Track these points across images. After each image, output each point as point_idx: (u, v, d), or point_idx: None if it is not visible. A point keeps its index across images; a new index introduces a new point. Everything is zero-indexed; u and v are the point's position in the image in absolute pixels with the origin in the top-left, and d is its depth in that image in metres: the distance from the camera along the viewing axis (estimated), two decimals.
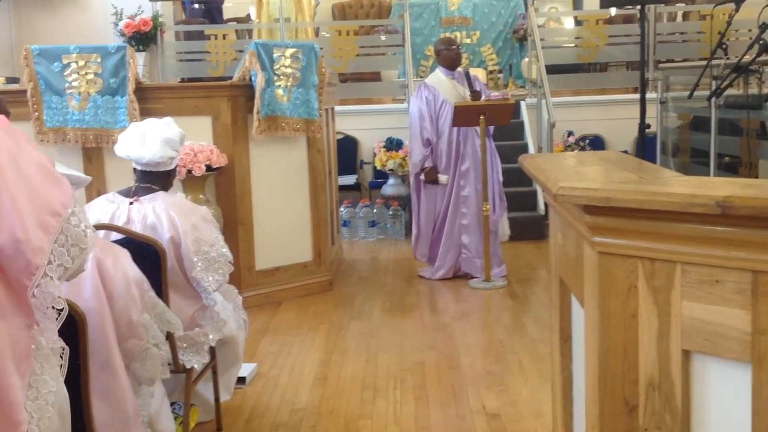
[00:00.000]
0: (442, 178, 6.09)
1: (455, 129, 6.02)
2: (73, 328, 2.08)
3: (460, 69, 6.20)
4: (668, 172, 1.61)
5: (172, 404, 3.16)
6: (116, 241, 2.95)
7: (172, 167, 3.32)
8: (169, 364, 2.96)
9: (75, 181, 2.58)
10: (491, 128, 6.01)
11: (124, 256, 2.59)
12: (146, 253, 2.96)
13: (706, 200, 1.23)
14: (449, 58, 6.14)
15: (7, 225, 1.58)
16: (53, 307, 1.73)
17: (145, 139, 3.22)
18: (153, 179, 3.27)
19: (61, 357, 1.82)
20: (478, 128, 5.94)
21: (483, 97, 5.99)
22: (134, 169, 3.30)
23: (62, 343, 1.81)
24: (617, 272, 1.42)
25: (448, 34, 9.58)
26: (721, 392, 1.32)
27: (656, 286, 1.36)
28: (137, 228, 3.12)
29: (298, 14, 9.40)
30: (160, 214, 3.16)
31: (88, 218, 1.86)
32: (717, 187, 1.30)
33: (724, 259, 1.26)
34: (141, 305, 2.56)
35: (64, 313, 1.78)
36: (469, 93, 5.97)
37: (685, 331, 1.33)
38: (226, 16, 10.00)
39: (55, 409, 1.75)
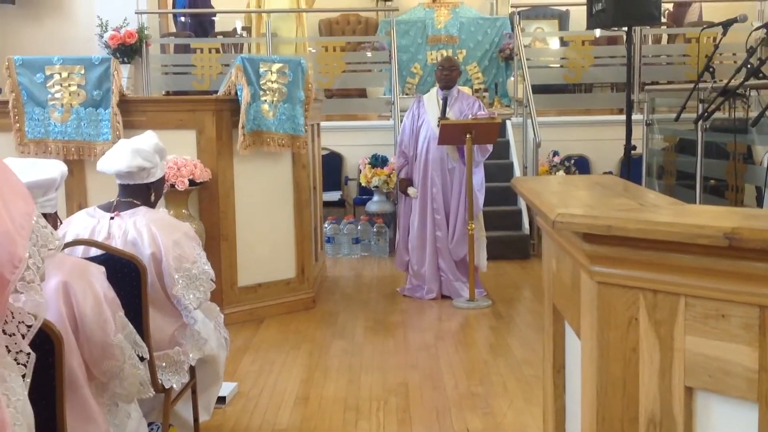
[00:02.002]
0: (411, 191, 6.12)
1: (425, 150, 6.03)
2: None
3: (457, 90, 6.16)
4: (667, 199, 1.56)
5: (149, 424, 3.08)
6: (96, 257, 2.88)
7: (150, 180, 3.23)
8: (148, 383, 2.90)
9: (50, 185, 2.52)
10: (478, 155, 5.97)
11: (97, 274, 2.51)
12: (126, 270, 2.89)
13: (713, 231, 1.19)
14: (439, 78, 6.13)
15: None
16: (29, 314, 1.70)
17: (117, 151, 3.19)
18: (134, 193, 3.21)
19: (26, 365, 1.77)
20: (450, 153, 5.97)
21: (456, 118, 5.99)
22: (119, 184, 3.24)
23: (29, 350, 1.76)
24: (617, 303, 1.37)
25: (434, 53, 9.59)
26: None
27: (658, 319, 1.31)
28: (118, 243, 3.05)
29: (299, 28, 9.37)
30: (141, 230, 3.09)
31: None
32: (723, 218, 1.25)
33: (731, 293, 1.22)
34: (115, 326, 2.48)
35: (39, 321, 1.74)
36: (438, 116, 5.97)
37: (689, 367, 1.28)
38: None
39: (26, 419, 1.70)
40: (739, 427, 1.24)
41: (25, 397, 1.75)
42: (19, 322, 1.72)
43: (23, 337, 1.74)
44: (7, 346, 1.70)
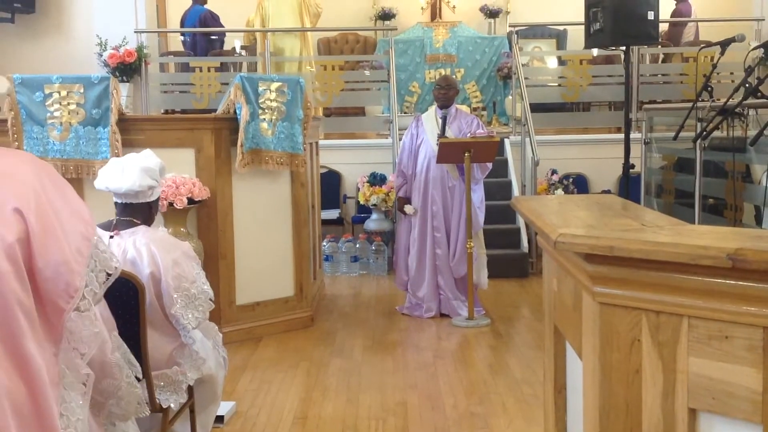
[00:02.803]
0: (408, 208, 6.13)
1: (425, 169, 6.04)
2: None
3: (455, 108, 6.18)
4: (670, 219, 1.55)
5: None
6: None
7: (152, 199, 3.24)
8: (145, 403, 2.87)
9: None
10: (478, 172, 5.98)
11: None
12: (125, 289, 2.88)
13: (716, 252, 1.18)
14: (437, 97, 6.16)
15: (50, 248, 1.57)
16: (89, 332, 1.75)
17: (124, 170, 3.16)
18: (134, 212, 3.20)
19: (85, 384, 1.81)
20: (450, 171, 5.98)
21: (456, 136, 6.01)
22: (115, 203, 3.22)
23: (88, 370, 1.82)
24: (620, 324, 1.36)
25: (432, 71, 9.62)
26: None
27: (661, 341, 1.30)
28: None
29: (303, 49, 9.39)
30: (141, 249, 3.08)
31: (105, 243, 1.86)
32: (726, 239, 1.25)
33: (734, 314, 1.21)
34: (112, 344, 2.47)
35: (99, 338, 1.82)
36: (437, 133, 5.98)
37: (692, 389, 1.27)
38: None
39: None
40: None
41: (86, 417, 1.77)
42: (79, 340, 1.75)
43: (82, 356, 1.78)
44: (68, 367, 1.72)
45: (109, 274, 1.81)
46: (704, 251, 1.19)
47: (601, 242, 1.33)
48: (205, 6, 9.57)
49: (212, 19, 9.50)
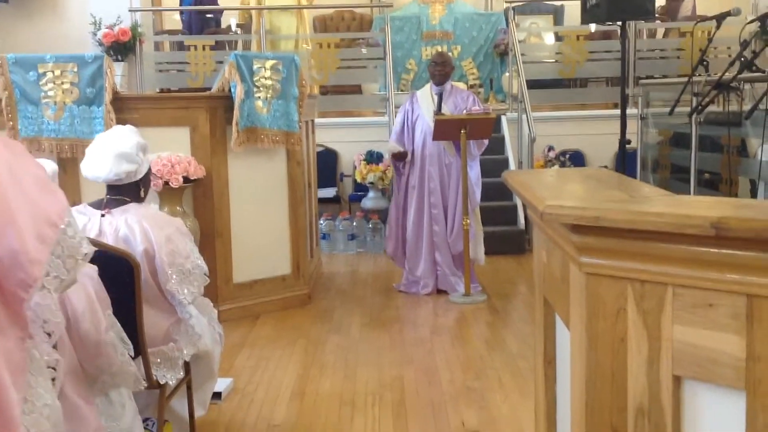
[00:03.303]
0: (390, 145, 6.17)
1: (423, 145, 6.03)
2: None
3: (450, 85, 6.17)
4: (657, 191, 1.56)
5: (145, 420, 3.08)
6: None
7: (137, 178, 3.21)
8: (143, 379, 2.89)
9: None
10: (474, 148, 5.98)
11: (91, 273, 2.51)
12: (119, 266, 2.88)
13: (700, 221, 1.19)
14: (432, 74, 6.15)
15: (5, 237, 1.56)
16: (48, 320, 1.73)
17: (99, 158, 3.10)
18: (122, 191, 3.17)
19: (55, 369, 1.81)
20: (446, 147, 5.99)
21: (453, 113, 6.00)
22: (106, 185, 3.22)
23: (57, 356, 1.80)
24: (606, 294, 1.37)
25: (429, 49, 9.58)
26: (714, 421, 1.27)
27: (646, 309, 1.31)
28: (109, 241, 3.04)
29: (300, 26, 9.35)
30: (133, 226, 3.08)
31: (80, 228, 1.84)
32: (710, 208, 1.25)
33: (718, 282, 1.22)
34: (107, 324, 2.48)
35: (61, 326, 1.80)
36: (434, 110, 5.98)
37: (676, 357, 1.28)
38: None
39: (51, 422, 1.72)
40: (727, 416, 1.24)
41: (54, 401, 1.76)
42: (41, 327, 1.74)
43: (47, 343, 1.77)
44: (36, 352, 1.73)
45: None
46: (688, 220, 1.20)
47: (587, 213, 1.34)
48: None
49: None
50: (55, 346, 1.97)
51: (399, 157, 6.11)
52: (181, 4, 9.75)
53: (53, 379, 1.79)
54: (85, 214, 3.15)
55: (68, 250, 1.71)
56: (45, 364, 1.76)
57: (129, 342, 2.69)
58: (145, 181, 3.28)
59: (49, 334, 1.77)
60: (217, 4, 9.76)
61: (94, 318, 2.45)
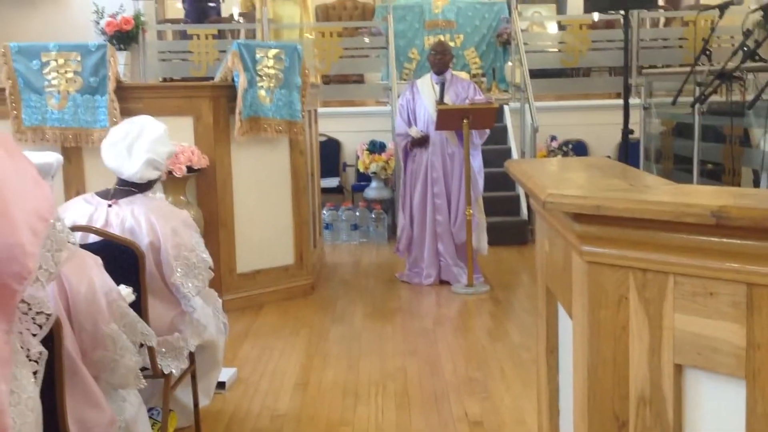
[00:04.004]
0: (413, 130, 6.07)
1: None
2: (47, 335, 2.03)
3: (450, 74, 6.16)
4: (658, 180, 1.57)
5: (149, 409, 3.10)
6: (93, 243, 2.89)
7: (153, 179, 3.26)
8: (146, 369, 2.91)
9: (47, 170, 2.52)
10: (476, 137, 5.98)
11: (93, 264, 2.51)
12: (124, 256, 2.90)
13: (700, 210, 1.19)
14: (432, 63, 6.15)
15: (2, 230, 1.56)
16: (41, 312, 1.75)
17: (131, 154, 3.12)
18: (133, 184, 3.20)
19: (37, 362, 1.80)
20: (449, 137, 5.97)
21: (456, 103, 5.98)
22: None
23: (41, 348, 1.80)
24: (607, 283, 1.38)
25: (431, 38, 9.56)
26: (714, 408, 1.28)
27: (648, 298, 1.32)
28: (115, 231, 3.05)
29: (303, 15, 9.34)
30: (139, 218, 3.09)
31: (65, 222, 1.86)
32: (711, 197, 1.26)
33: (719, 271, 1.23)
34: (108, 316, 2.48)
35: (53, 318, 1.80)
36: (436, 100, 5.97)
37: (678, 345, 1.29)
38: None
39: (34, 415, 1.72)
40: (727, 404, 1.25)
41: (36, 394, 1.77)
42: (32, 319, 1.76)
43: (34, 336, 1.78)
44: (19, 344, 1.74)
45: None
46: (688, 209, 1.21)
47: (588, 201, 1.34)
48: None
49: None
50: (56, 335, 1.99)
51: (421, 142, 6.07)
52: None
53: (35, 372, 1.79)
54: (91, 204, 3.16)
55: (57, 244, 1.72)
56: (30, 357, 1.77)
57: (149, 331, 2.69)
58: (157, 180, 3.31)
59: (40, 326, 1.79)
60: None
61: (93, 308, 2.44)
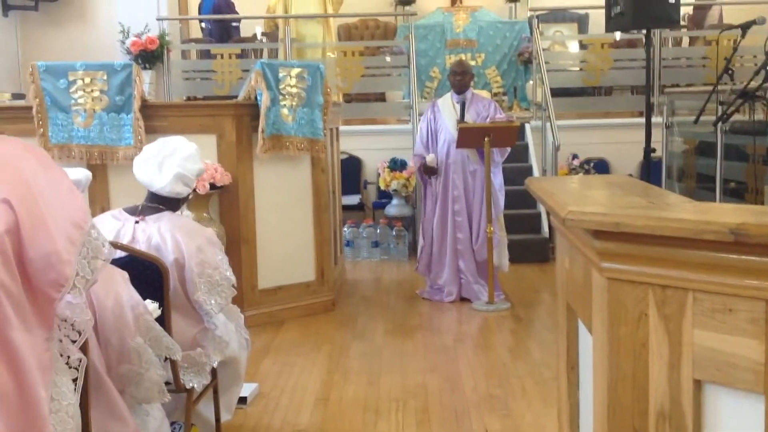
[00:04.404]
0: (429, 157, 6.08)
1: (446, 154, 6.05)
2: None
3: (471, 92, 6.20)
4: (677, 197, 1.59)
5: (172, 424, 3.13)
6: (119, 259, 2.93)
7: (182, 196, 3.31)
8: (169, 383, 2.93)
9: (76, 186, 2.56)
10: (497, 155, 6.01)
11: (120, 278, 2.55)
12: (149, 272, 2.94)
13: (719, 227, 1.21)
14: (453, 83, 6.19)
15: (38, 239, 1.60)
16: (79, 318, 1.79)
17: (162, 169, 3.18)
18: (162, 201, 3.25)
19: (77, 369, 1.83)
20: (470, 155, 6.00)
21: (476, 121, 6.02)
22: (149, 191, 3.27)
23: (81, 355, 1.83)
24: (627, 299, 1.40)
25: (453, 57, 9.61)
26: (733, 424, 1.29)
27: (667, 314, 1.34)
28: (141, 248, 3.09)
29: (326, 35, 9.41)
30: (165, 236, 3.13)
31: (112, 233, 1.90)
32: (730, 214, 1.28)
33: (737, 288, 1.24)
34: (134, 329, 2.51)
35: (90, 324, 1.84)
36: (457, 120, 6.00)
37: (697, 361, 1.30)
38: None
39: (74, 422, 1.75)
40: (746, 419, 1.26)
41: (76, 401, 1.80)
42: (71, 326, 1.79)
43: (73, 342, 1.81)
44: (59, 351, 1.77)
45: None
46: (707, 226, 1.22)
47: (608, 218, 1.36)
48: None
49: (227, 6, 9.50)
50: (82, 347, 2.02)
51: (430, 171, 6.12)
52: (200, 12, 9.84)
53: (75, 380, 1.83)
54: (119, 220, 3.21)
55: (93, 251, 1.76)
56: (69, 364, 1.80)
57: (175, 345, 2.72)
58: (186, 198, 3.35)
59: (79, 332, 1.82)
60: (237, 13, 9.82)
61: (120, 323, 2.48)
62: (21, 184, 1.62)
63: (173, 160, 3.20)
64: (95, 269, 1.77)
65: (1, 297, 1.55)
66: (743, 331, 1.24)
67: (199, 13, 9.86)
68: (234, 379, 3.63)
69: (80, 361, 1.84)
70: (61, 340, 1.78)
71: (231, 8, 9.62)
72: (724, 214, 1.28)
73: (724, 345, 1.26)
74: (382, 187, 8.07)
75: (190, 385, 3.09)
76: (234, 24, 9.86)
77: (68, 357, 1.80)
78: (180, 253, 3.10)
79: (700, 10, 9.85)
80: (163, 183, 3.18)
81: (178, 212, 3.33)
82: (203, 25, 9.92)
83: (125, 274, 2.59)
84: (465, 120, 5.97)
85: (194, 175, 3.25)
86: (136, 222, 3.19)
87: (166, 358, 2.78)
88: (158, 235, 3.14)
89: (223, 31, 9.61)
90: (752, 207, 1.36)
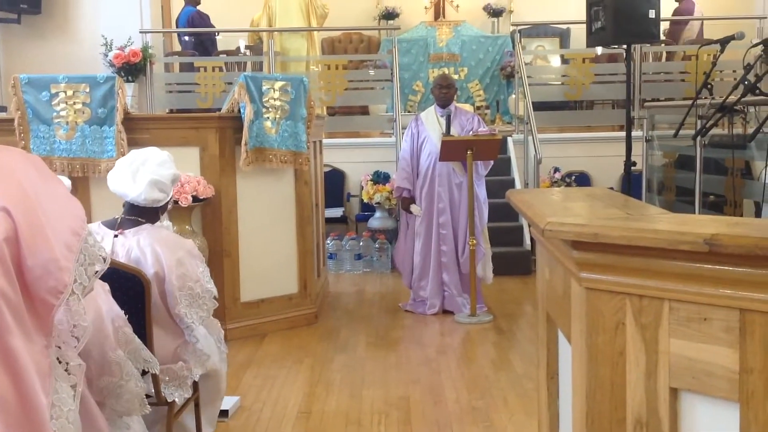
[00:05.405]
0: (415, 209, 6.15)
1: (431, 166, 6.08)
2: None
3: (454, 106, 6.24)
4: (655, 209, 1.61)
5: None
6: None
7: (160, 205, 3.29)
8: (150, 396, 2.92)
9: None
10: (481, 168, 6.04)
11: (101, 290, 2.54)
12: (130, 284, 2.93)
13: (693, 238, 1.23)
14: (437, 97, 6.23)
15: (36, 247, 1.61)
16: (78, 325, 1.80)
17: (135, 177, 3.17)
18: (141, 213, 3.23)
19: (76, 375, 1.85)
20: (456, 168, 6.02)
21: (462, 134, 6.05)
22: (124, 201, 3.26)
23: (80, 361, 1.85)
24: (605, 309, 1.42)
25: (436, 71, 9.66)
26: (709, 431, 1.31)
27: (644, 323, 1.36)
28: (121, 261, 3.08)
29: (310, 49, 9.43)
30: (145, 249, 3.12)
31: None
32: (705, 225, 1.30)
33: (712, 297, 1.26)
34: (115, 342, 2.51)
35: (89, 331, 1.85)
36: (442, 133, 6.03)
37: (673, 369, 1.32)
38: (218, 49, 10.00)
39: (75, 427, 1.76)
40: (721, 427, 1.28)
41: (76, 407, 1.81)
42: (70, 332, 1.80)
43: (72, 348, 1.82)
44: (57, 358, 1.78)
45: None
46: (682, 237, 1.24)
47: (586, 229, 1.38)
48: (197, 7, 9.51)
49: (200, 20, 9.47)
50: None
51: (407, 207, 6.19)
52: (177, 26, 9.82)
53: (74, 386, 1.84)
54: (98, 234, 3.19)
55: (89, 258, 1.78)
56: (69, 370, 1.81)
57: (152, 358, 2.71)
58: (165, 207, 3.34)
59: (78, 339, 1.83)
60: (211, 26, 9.79)
61: (100, 335, 2.47)
62: (19, 192, 1.63)
63: (147, 167, 3.19)
64: (92, 276, 1.80)
65: (1, 304, 1.56)
66: (718, 339, 1.26)
67: (176, 26, 9.85)
68: (215, 393, 3.62)
69: (79, 367, 1.85)
70: (59, 347, 1.79)
71: (205, 22, 9.57)
72: (699, 225, 1.31)
73: (700, 353, 1.28)
74: (365, 200, 8.09)
75: (172, 398, 3.08)
76: (211, 38, 9.83)
77: (67, 363, 1.81)
78: (160, 267, 3.09)
79: (678, 25, 9.94)
80: (138, 191, 3.16)
81: (158, 223, 3.32)
82: (184, 38, 9.90)
83: (106, 286, 2.59)
84: (450, 133, 6.00)
85: (169, 181, 3.24)
86: (115, 236, 3.18)
87: (145, 372, 2.77)
88: (138, 249, 3.13)
89: (199, 45, 9.56)
90: (726, 218, 1.39)
